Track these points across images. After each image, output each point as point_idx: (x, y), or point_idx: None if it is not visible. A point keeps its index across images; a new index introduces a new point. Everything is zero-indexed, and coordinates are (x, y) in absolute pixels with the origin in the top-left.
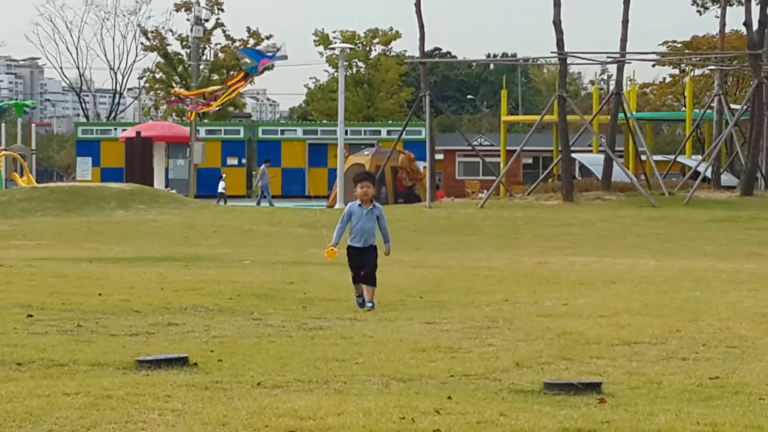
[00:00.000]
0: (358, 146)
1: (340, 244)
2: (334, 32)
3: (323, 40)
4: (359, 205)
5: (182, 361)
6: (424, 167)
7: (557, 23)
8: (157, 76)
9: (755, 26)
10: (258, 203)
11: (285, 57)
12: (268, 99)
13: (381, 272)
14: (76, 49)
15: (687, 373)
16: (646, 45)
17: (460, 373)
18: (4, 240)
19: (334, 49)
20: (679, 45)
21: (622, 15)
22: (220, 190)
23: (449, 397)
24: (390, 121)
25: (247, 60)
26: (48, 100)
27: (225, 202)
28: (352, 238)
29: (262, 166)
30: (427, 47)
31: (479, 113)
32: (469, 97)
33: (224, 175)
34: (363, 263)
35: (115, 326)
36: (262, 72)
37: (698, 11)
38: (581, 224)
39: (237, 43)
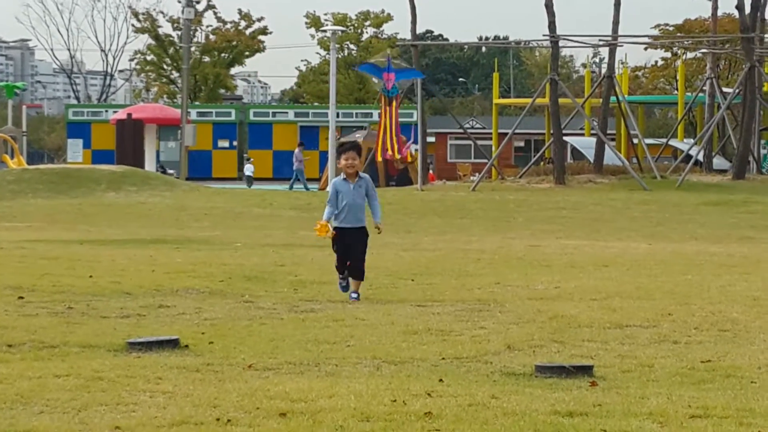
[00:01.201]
0: (350, 129)
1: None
2: (325, 14)
3: (315, 22)
4: (344, 179)
5: (173, 344)
6: (416, 150)
7: (549, 6)
8: (148, 58)
9: (747, 9)
10: (291, 187)
11: (418, 74)
12: (259, 81)
13: (372, 254)
14: (67, 30)
15: (679, 356)
16: (638, 28)
17: (451, 355)
18: None
19: (325, 31)
20: (671, 28)
21: None
22: (247, 173)
23: (441, 380)
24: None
25: (374, 79)
26: (39, 81)
27: (251, 185)
28: (339, 217)
29: (297, 150)
30: (419, 30)
31: (471, 96)
32: (460, 79)
33: (252, 159)
34: (350, 251)
35: (106, 308)
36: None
37: None
38: (573, 207)
39: (228, 26)
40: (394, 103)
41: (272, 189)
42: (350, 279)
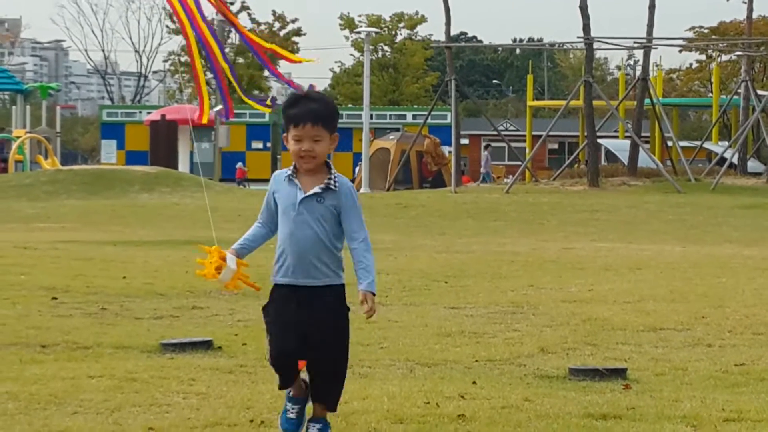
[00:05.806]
0: (384, 131)
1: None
2: (359, 16)
3: (349, 23)
4: (290, 175)
5: (207, 345)
6: (450, 152)
7: (584, 8)
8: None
9: None
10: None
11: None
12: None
13: (405, 257)
14: (101, 31)
15: (712, 359)
16: (673, 30)
17: (484, 358)
18: (28, 222)
19: (359, 33)
20: (706, 30)
21: (649, 0)
22: None
23: (474, 382)
24: (415, 106)
25: None
26: (73, 82)
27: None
28: (277, 262)
29: (486, 153)
30: (453, 31)
31: (505, 98)
32: (494, 81)
33: None
34: (311, 341)
35: (140, 309)
36: None
37: None
38: (607, 210)
39: (262, 27)
40: None
41: None
42: (312, 400)
